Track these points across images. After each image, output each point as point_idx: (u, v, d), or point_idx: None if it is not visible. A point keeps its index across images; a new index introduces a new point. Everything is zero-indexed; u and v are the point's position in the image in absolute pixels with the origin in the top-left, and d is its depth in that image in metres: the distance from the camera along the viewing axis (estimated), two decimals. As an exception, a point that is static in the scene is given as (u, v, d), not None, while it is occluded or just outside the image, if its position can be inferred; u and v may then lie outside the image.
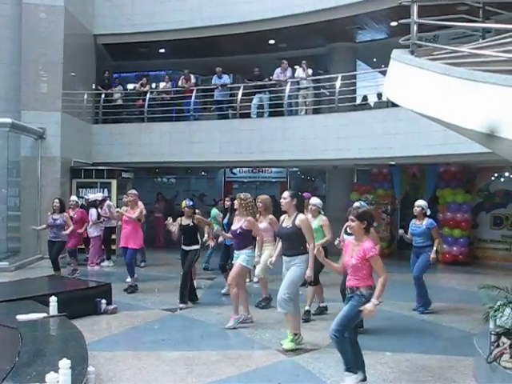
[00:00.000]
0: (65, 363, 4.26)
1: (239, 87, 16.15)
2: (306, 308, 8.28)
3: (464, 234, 14.97)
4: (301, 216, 6.84)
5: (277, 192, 17.37)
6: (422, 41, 6.54)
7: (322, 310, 8.63)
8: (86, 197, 14.22)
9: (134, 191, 11.15)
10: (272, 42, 17.56)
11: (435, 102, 5.34)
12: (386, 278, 5.26)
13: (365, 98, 16.66)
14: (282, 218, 7.14)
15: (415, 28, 6.16)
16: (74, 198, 12.86)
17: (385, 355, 6.62)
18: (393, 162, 15.09)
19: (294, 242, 6.73)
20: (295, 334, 6.81)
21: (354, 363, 5.40)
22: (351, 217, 5.43)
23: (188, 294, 9.30)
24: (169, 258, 14.56)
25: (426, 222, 8.95)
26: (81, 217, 12.41)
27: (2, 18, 15.15)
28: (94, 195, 13.92)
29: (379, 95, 14.81)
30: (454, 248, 14.91)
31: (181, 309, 9.02)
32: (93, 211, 13.25)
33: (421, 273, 8.87)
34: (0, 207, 14.27)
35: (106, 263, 13.79)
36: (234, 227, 8.18)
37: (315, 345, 6.92)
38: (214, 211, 12.59)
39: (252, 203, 8.25)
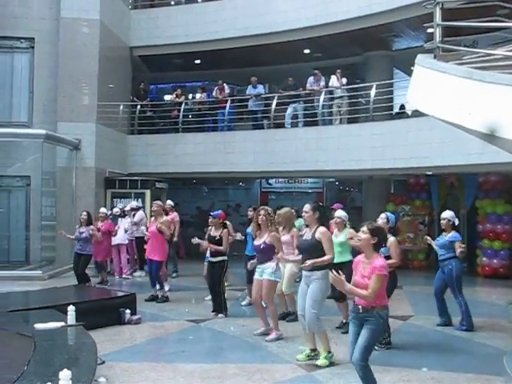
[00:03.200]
0: (65, 374, 4.15)
1: (274, 97, 16.08)
2: (345, 321, 8.07)
3: (505, 246, 14.44)
4: (321, 228, 6.66)
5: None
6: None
7: (346, 327, 8.33)
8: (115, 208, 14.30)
9: (159, 202, 11.13)
10: (307, 51, 17.43)
11: (456, 107, 5.12)
12: (368, 296, 4.87)
13: (402, 106, 16.34)
14: (303, 230, 6.99)
15: (438, 31, 5.96)
16: (103, 210, 12.91)
17: (410, 372, 6.36)
18: (429, 172, 14.72)
19: (313, 255, 6.54)
20: (329, 352, 6.65)
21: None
22: (363, 228, 5.16)
23: (219, 305, 9.25)
24: (200, 268, 14.46)
25: (451, 234, 8.56)
26: (108, 229, 12.46)
27: (41, 34, 15.51)
28: (118, 208, 13.99)
29: (415, 104, 14.47)
30: (494, 261, 14.39)
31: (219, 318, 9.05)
32: (123, 221, 13.34)
33: (454, 290, 8.48)
34: (35, 217, 14.52)
35: (138, 273, 13.85)
36: (257, 242, 8.03)
37: (336, 360, 6.69)
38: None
39: (276, 218, 8.13)
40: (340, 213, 8.49)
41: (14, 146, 15.00)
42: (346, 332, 7.92)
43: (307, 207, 6.75)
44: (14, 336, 6.18)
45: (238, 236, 10.78)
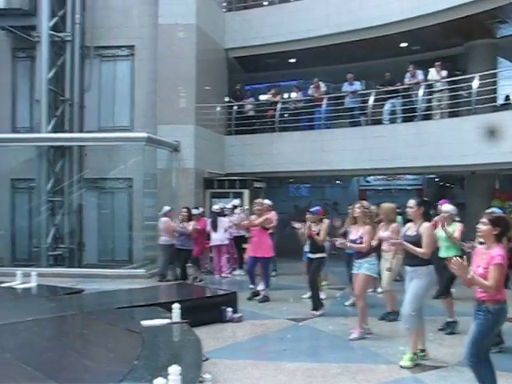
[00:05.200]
0: (175, 370, 4.28)
1: (371, 93, 15.82)
2: (449, 320, 7.81)
3: None
4: (425, 224, 6.48)
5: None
6: None
7: (451, 326, 8.02)
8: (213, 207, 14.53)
9: (260, 200, 11.20)
10: (404, 44, 17.01)
11: None
12: (491, 286, 4.65)
13: (507, 97, 15.61)
14: (407, 225, 6.82)
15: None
16: (195, 211, 13.13)
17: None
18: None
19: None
20: (422, 350, 6.43)
21: None
22: (483, 219, 4.92)
23: (314, 302, 9.20)
24: (300, 267, 14.43)
25: None
26: (202, 227, 12.67)
27: (140, 41, 16.06)
28: (218, 206, 14.19)
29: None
30: None
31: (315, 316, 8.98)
32: (221, 220, 13.55)
33: None
34: (138, 217, 15.05)
35: (237, 272, 14.02)
36: (353, 236, 7.93)
37: (443, 362, 6.46)
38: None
39: (374, 213, 7.97)
40: (447, 207, 8.21)
41: (117, 149, 15.62)
42: (451, 333, 7.68)
43: (412, 202, 6.61)
44: (122, 332, 6.43)
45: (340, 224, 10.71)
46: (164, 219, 12.98)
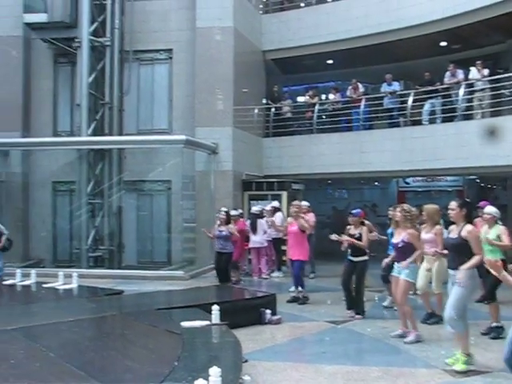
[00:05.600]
0: (215, 371, 4.30)
1: (410, 93, 15.62)
2: (494, 324, 7.65)
3: None
4: (468, 227, 6.33)
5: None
6: None
7: (496, 331, 7.82)
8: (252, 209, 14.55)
9: (298, 202, 11.16)
10: (444, 43, 16.73)
11: None
12: None
13: (554, 95, 15.19)
14: (450, 228, 6.69)
15: None
16: (233, 212, 13.10)
17: None
18: None
19: (459, 255, 6.26)
20: (467, 355, 6.30)
21: None
22: None
23: (357, 306, 9.15)
24: (338, 269, 14.33)
25: None
26: (241, 228, 12.66)
27: (178, 44, 16.18)
28: (258, 208, 14.19)
29: None
30: None
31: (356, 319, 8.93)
32: (260, 222, 13.54)
33: None
34: (177, 219, 15.16)
35: (276, 274, 13.99)
36: (395, 240, 7.84)
37: (488, 367, 6.31)
38: None
39: (415, 215, 7.85)
40: (490, 209, 8.05)
41: (156, 152, 15.78)
42: (496, 338, 7.50)
43: (453, 204, 6.46)
44: (163, 333, 6.48)
45: (376, 236, 10.56)
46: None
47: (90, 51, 15.12)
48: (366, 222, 9.75)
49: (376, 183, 21.78)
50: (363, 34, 16.40)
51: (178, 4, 16.29)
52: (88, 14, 15.02)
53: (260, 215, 13.84)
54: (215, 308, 6.81)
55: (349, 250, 9.31)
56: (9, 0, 16.31)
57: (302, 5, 18.92)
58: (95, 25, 15.35)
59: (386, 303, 9.95)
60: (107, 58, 15.61)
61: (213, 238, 11.93)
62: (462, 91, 14.49)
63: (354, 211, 9.49)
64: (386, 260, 8.24)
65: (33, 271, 11.48)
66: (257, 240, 13.64)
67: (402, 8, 15.72)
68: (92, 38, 15.17)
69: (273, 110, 17.57)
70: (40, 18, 15.32)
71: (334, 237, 9.40)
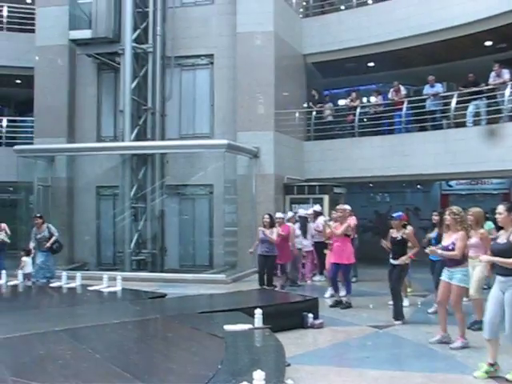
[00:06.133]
0: (259, 375, 4.31)
1: (453, 95, 15.39)
2: None
3: None
4: (517, 231, 6.16)
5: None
6: None
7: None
8: (297, 212, 14.53)
9: (342, 206, 11.10)
10: (488, 43, 16.42)
11: None
12: None
13: None
14: (499, 233, 6.53)
15: None
16: (279, 214, 13.10)
17: None
18: None
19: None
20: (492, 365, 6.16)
21: None
22: None
23: (395, 310, 9.03)
24: (380, 273, 14.20)
25: None
26: (286, 232, 12.64)
27: (219, 50, 16.31)
28: (305, 211, 14.19)
29: None
30: None
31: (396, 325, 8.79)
32: (309, 226, 13.55)
33: None
34: (218, 223, 15.25)
35: (318, 278, 13.94)
36: (445, 243, 7.68)
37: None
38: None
39: (464, 217, 7.71)
40: None
41: (198, 156, 15.92)
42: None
43: (501, 208, 6.28)
44: (206, 336, 6.52)
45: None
46: (289, 224, 12.85)
47: (132, 58, 15.41)
48: (409, 226, 9.60)
49: (418, 186, 21.48)
50: (405, 36, 16.23)
51: (219, 10, 16.41)
52: (131, 21, 15.32)
53: (305, 219, 13.82)
54: (258, 312, 6.83)
55: (391, 253, 9.22)
56: (54, 10, 16.73)
57: (343, 7, 18.85)
58: (138, 32, 15.64)
59: (431, 310, 9.77)
60: (149, 64, 15.89)
61: (258, 243, 11.86)
62: (507, 92, 14.20)
63: (395, 214, 9.38)
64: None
65: (78, 274, 11.73)
66: (306, 244, 13.64)
67: (445, 8, 15.47)
68: (135, 45, 15.47)
69: (314, 113, 17.54)
70: (84, 34, 15.74)
71: (384, 244, 9.34)
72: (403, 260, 8.84)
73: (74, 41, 16.16)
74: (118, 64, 15.86)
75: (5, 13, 19.16)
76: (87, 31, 15.64)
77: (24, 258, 11.96)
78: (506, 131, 14.00)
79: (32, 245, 12.45)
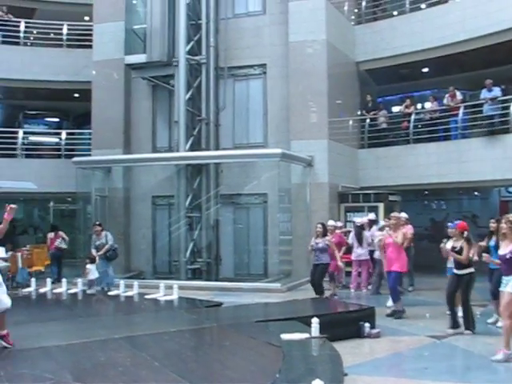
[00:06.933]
0: (318, 384, 4.30)
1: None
2: None
3: None
4: None
5: (562, 211, 15.60)
6: None
7: None
8: (354, 220, 14.45)
9: (396, 214, 10.96)
10: (550, 44, 15.93)
11: None
12: None
13: None
14: None
15: None
16: (331, 222, 13.04)
17: None
18: None
19: None
20: None
21: None
22: None
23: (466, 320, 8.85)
24: (437, 282, 13.94)
25: None
26: (338, 241, 12.56)
27: (272, 59, 16.36)
28: (361, 219, 14.08)
29: None
30: None
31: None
32: (365, 234, 13.46)
33: None
34: (273, 232, 15.27)
35: (373, 287, 13.77)
36: (501, 252, 7.49)
37: None
38: None
39: None
40: None
41: (252, 165, 15.96)
42: None
43: None
44: (263, 345, 6.54)
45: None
46: (379, 233, 12.81)
47: (186, 69, 15.64)
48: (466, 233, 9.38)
49: (476, 193, 21.00)
50: (460, 40, 15.91)
51: (271, 19, 16.49)
52: (184, 34, 15.58)
53: (362, 227, 13.73)
54: (315, 321, 6.81)
55: (452, 263, 9.04)
56: (111, 26, 17.21)
57: (395, 13, 18.65)
58: (191, 44, 15.88)
59: (491, 320, 9.52)
60: (203, 75, 16.10)
61: (310, 251, 11.85)
62: None
63: (450, 223, 9.21)
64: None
65: (135, 282, 11.96)
66: (361, 252, 13.53)
67: (503, 9, 15.06)
68: (189, 56, 15.69)
69: (368, 120, 17.40)
70: (139, 58, 16.21)
71: (443, 246, 9.18)
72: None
73: (129, 65, 16.63)
74: (172, 86, 16.17)
75: (65, 31, 19.79)
76: (142, 55, 16.10)
77: (88, 266, 12.43)
78: None
79: (94, 252, 12.90)
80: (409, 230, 12.48)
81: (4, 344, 6.52)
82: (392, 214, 10.95)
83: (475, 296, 11.39)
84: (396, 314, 10.19)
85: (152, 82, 17.15)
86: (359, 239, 13.57)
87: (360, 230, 13.70)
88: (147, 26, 15.97)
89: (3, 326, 6.58)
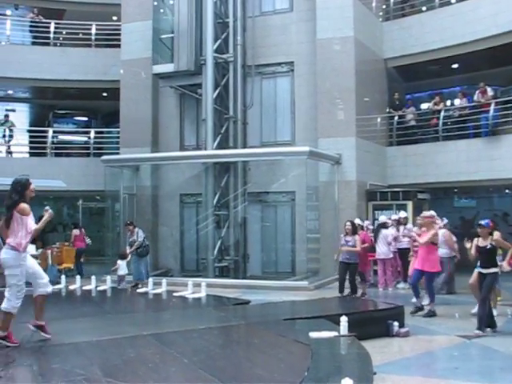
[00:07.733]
0: (348, 382, 4.27)
1: (545, 95, 14.76)
2: None
3: None
4: None
5: None
6: None
7: None
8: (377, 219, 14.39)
9: (427, 213, 10.85)
10: None
11: None
12: None
13: None
14: None
15: None
16: (357, 220, 12.96)
17: None
18: None
19: None
20: None
21: None
22: None
23: (486, 321, 8.68)
24: (467, 281, 13.74)
25: None
26: (363, 239, 12.46)
27: (299, 57, 16.33)
28: (385, 217, 13.99)
29: None
30: None
31: (478, 336, 8.40)
32: (383, 233, 13.35)
33: None
34: (300, 230, 15.24)
35: (401, 285, 13.66)
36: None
37: None
38: None
39: None
40: None
41: (279, 163, 15.93)
42: None
43: None
44: (291, 343, 6.52)
45: None
46: (443, 231, 12.64)
47: (214, 68, 15.67)
48: (496, 232, 9.24)
49: (507, 191, 20.66)
50: (491, 35, 15.62)
51: (298, 17, 16.45)
52: (212, 32, 15.63)
53: (385, 226, 13.62)
54: (343, 319, 6.77)
55: (479, 262, 8.93)
56: (138, 26, 17.43)
57: (424, 9, 18.43)
58: (218, 42, 15.92)
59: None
60: (230, 73, 16.15)
61: (340, 250, 11.78)
62: None
63: (483, 222, 9.06)
64: None
65: (164, 280, 12.04)
66: (381, 251, 13.45)
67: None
68: (216, 55, 15.73)
69: (396, 118, 17.25)
70: (167, 68, 16.23)
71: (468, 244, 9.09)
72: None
73: (157, 75, 16.70)
74: (200, 95, 16.22)
75: (93, 31, 19.99)
76: (170, 65, 16.13)
77: (119, 261, 12.95)
78: None
79: (127, 248, 13.36)
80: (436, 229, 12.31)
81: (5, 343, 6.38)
82: (423, 214, 10.86)
83: (506, 296, 11.31)
84: (427, 313, 10.07)
85: (179, 91, 17.24)
86: (375, 238, 13.49)
87: (379, 228, 13.60)
88: (175, 30, 15.96)
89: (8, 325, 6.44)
